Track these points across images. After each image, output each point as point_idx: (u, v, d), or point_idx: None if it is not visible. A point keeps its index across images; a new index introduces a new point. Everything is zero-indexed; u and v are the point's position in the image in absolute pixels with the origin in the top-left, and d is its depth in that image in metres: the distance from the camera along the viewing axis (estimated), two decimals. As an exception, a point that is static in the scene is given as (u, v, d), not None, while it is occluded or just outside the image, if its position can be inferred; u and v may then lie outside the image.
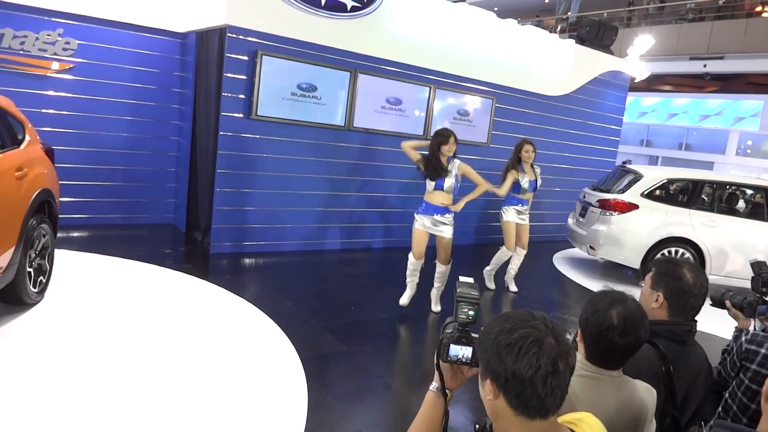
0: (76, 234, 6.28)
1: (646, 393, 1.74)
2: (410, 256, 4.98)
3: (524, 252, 6.15)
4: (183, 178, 7.07)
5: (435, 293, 5.19)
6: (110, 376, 3.27)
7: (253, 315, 4.54)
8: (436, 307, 5.20)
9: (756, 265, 2.64)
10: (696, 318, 2.15)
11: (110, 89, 6.59)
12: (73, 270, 4.99)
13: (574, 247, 8.24)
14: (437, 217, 4.89)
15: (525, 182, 5.87)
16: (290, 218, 6.75)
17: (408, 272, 5.03)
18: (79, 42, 6.29)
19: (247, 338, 4.12)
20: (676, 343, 2.04)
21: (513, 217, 5.98)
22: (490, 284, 6.20)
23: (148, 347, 3.71)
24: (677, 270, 2.09)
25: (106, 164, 6.71)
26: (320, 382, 3.57)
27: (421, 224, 4.91)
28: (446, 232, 4.92)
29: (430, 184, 4.89)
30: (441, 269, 5.04)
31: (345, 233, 7.26)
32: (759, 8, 18.89)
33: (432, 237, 4.97)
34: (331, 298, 5.45)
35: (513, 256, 6.11)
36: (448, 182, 4.86)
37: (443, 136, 4.82)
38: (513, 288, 6.22)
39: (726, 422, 1.45)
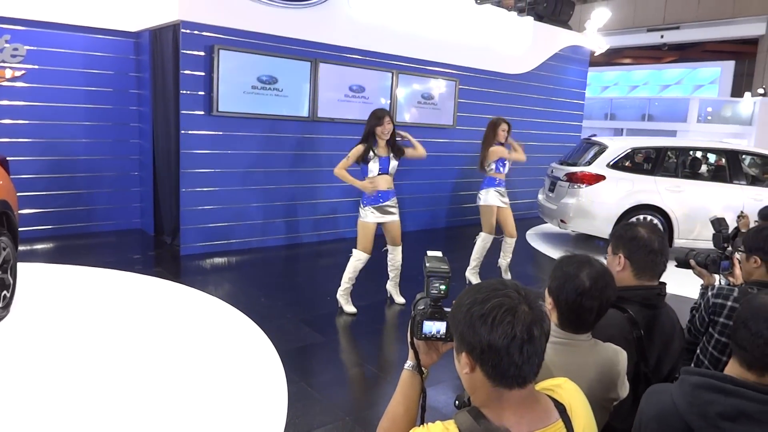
0: (39, 246, 6.11)
1: (615, 354, 1.76)
2: (358, 252, 4.65)
3: (514, 240, 5.70)
4: (147, 181, 6.93)
5: (393, 284, 4.99)
6: (87, 384, 3.19)
7: (228, 313, 4.48)
8: (399, 298, 4.98)
9: (716, 222, 2.70)
10: (664, 281, 2.17)
11: (65, 94, 6.39)
12: (39, 283, 4.85)
13: (545, 222, 8.33)
14: (388, 203, 4.68)
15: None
16: (260, 214, 6.67)
17: (353, 272, 4.68)
18: (28, 48, 6.08)
19: (222, 336, 4.06)
20: (647, 307, 2.04)
21: (494, 199, 5.53)
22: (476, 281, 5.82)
23: (122, 353, 3.63)
24: (631, 229, 2.11)
25: (66, 172, 6.53)
26: (299, 374, 3.55)
27: (373, 216, 4.62)
28: (396, 215, 4.75)
29: (374, 169, 4.57)
30: (395, 253, 4.86)
31: (317, 225, 7.21)
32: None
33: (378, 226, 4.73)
34: (306, 291, 5.41)
35: (503, 246, 5.71)
36: (393, 164, 4.65)
37: (378, 117, 4.56)
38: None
39: (692, 368, 1.47)
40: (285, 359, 3.68)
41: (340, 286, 4.76)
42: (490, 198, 5.54)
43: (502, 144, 5.58)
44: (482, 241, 5.62)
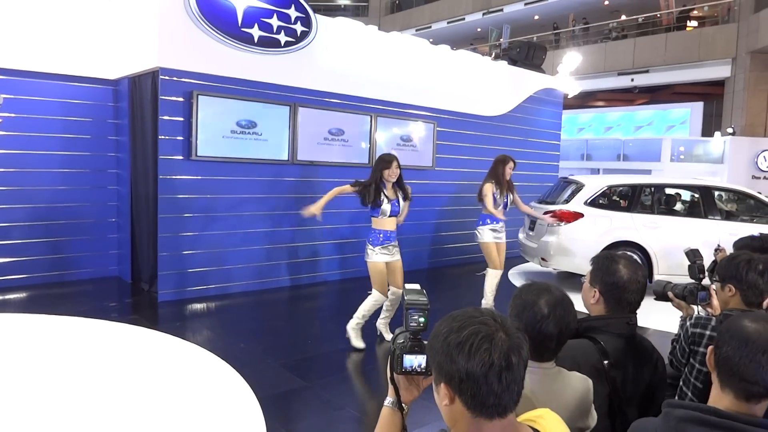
0: (12, 296, 5.95)
1: (580, 383, 1.75)
2: (377, 294, 4.73)
3: (497, 272, 5.79)
4: (125, 228, 6.84)
5: (384, 322, 5.03)
6: (52, 439, 3.05)
7: (207, 359, 4.36)
8: (389, 335, 5.00)
9: (690, 254, 2.72)
10: (635, 311, 2.16)
11: (42, 142, 6.35)
12: (10, 333, 4.70)
13: (527, 261, 8.35)
14: (393, 243, 4.83)
15: (500, 197, 5.70)
16: (239, 258, 6.59)
17: (368, 310, 4.77)
18: (6, 96, 6.06)
19: (201, 383, 3.94)
20: (617, 337, 2.04)
21: (489, 237, 5.69)
22: None
23: (97, 403, 3.49)
24: (612, 266, 2.09)
25: (42, 220, 6.43)
26: (281, 421, 3.44)
27: (381, 256, 4.74)
28: (398, 254, 4.89)
29: (387, 211, 4.74)
30: (398, 293, 4.91)
31: (297, 269, 7.13)
32: (675, 22, 20.07)
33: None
34: (287, 335, 5.31)
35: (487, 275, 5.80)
36: (403, 205, 4.86)
37: (385, 161, 4.78)
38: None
39: (676, 401, 1.45)
40: (265, 406, 3.56)
41: (351, 319, 4.79)
42: (485, 236, 5.73)
43: (504, 182, 5.71)
44: (492, 278, 5.77)
